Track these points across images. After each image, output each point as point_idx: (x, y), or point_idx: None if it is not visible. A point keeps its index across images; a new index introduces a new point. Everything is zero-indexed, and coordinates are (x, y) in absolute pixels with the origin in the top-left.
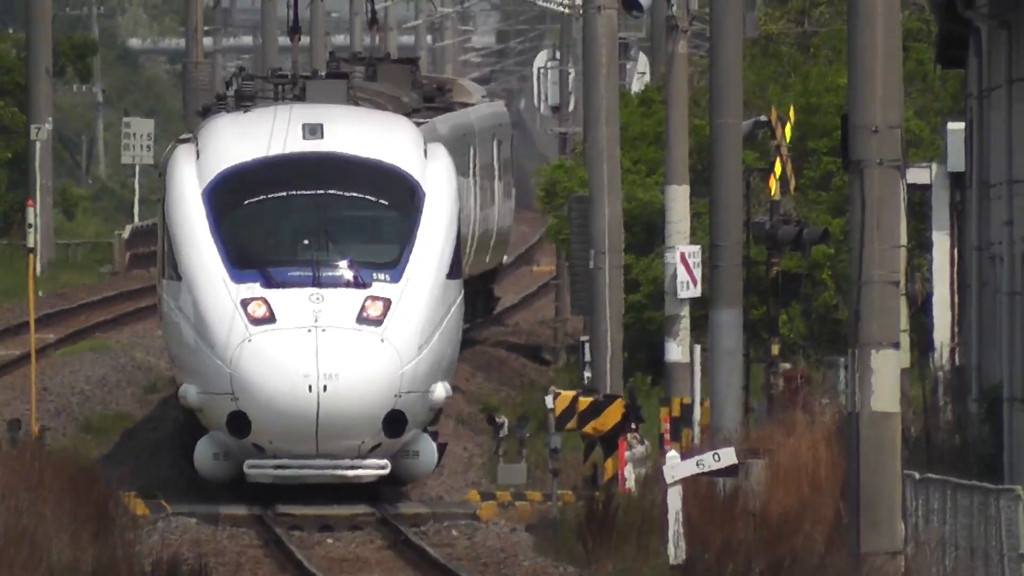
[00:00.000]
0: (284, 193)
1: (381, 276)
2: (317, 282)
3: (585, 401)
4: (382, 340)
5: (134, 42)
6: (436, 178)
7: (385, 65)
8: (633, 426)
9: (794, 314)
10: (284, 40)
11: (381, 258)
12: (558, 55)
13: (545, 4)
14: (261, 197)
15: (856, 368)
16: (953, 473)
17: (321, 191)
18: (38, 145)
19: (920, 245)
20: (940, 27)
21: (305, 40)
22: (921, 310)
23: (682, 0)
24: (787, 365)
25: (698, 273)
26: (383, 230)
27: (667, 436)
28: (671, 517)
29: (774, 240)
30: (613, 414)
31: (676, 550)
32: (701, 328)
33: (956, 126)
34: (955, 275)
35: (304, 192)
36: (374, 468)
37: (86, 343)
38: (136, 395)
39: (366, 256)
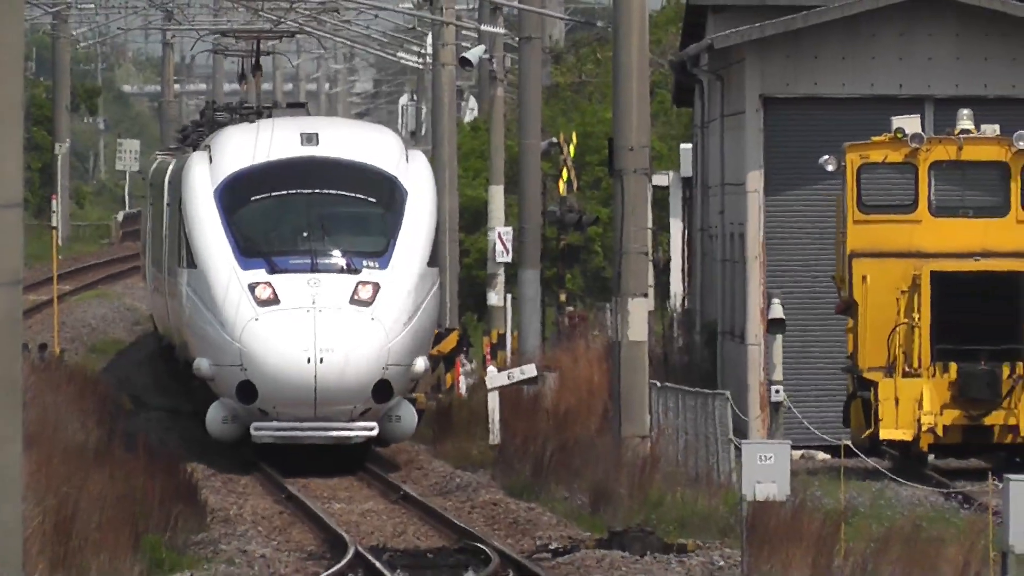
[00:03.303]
0: (285, 192)
1: (370, 264)
2: (315, 269)
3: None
4: (372, 319)
5: (126, 87)
6: (417, 179)
7: (278, 110)
8: (465, 350)
9: (575, 274)
10: (229, 86)
11: (370, 248)
12: (415, 97)
13: (406, 62)
14: (265, 195)
15: (618, 310)
16: (683, 382)
17: (317, 190)
18: (59, 157)
19: (662, 227)
20: (675, 79)
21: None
22: (663, 271)
23: (499, 59)
24: (571, 308)
25: (510, 245)
26: (371, 224)
27: (488, 357)
28: (491, 413)
29: (562, 223)
30: (451, 341)
31: (494, 436)
32: (512, 282)
33: (686, 146)
34: (685, 248)
35: (303, 191)
36: (364, 430)
37: (92, 292)
38: (126, 327)
39: (357, 246)
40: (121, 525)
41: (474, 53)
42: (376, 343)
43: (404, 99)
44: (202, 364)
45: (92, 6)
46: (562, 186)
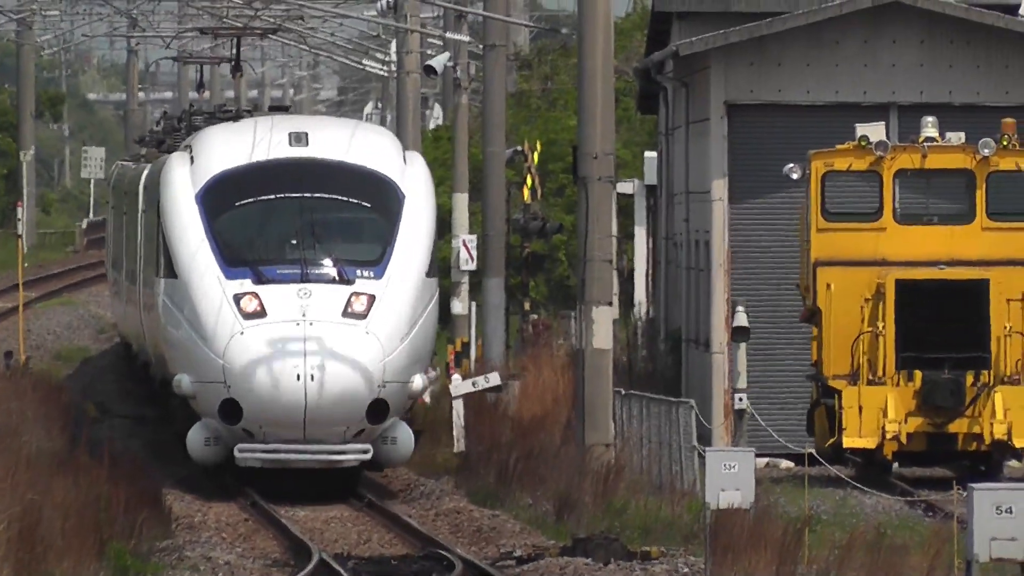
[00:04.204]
0: (272, 196)
1: (365, 273)
2: (305, 279)
3: None
4: (366, 333)
5: (91, 95)
6: (414, 182)
7: (260, 113)
8: None
9: (539, 281)
10: (193, 95)
11: (364, 256)
12: (380, 105)
13: (371, 70)
14: (251, 200)
15: (582, 318)
16: (647, 389)
17: (307, 194)
18: (25, 165)
19: (626, 235)
20: (640, 86)
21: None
22: (627, 279)
23: (464, 67)
24: (535, 316)
25: (474, 253)
26: (366, 230)
27: (452, 365)
28: (455, 421)
29: (526, 231)
30: None
31: (458, 443)
32: (476, 290)
33: (651, 154)
34: (650, 256)
35: (291, 195)
36: (357, 453)
37: (57, 300)
38: (91, 335)
39: (350, 255)
40: (86, 532)
41: (438, 61)
42: (371, 359)
43: (369, 107)
44: (182, 381)
45: (57, 13)
46: (526, 193)
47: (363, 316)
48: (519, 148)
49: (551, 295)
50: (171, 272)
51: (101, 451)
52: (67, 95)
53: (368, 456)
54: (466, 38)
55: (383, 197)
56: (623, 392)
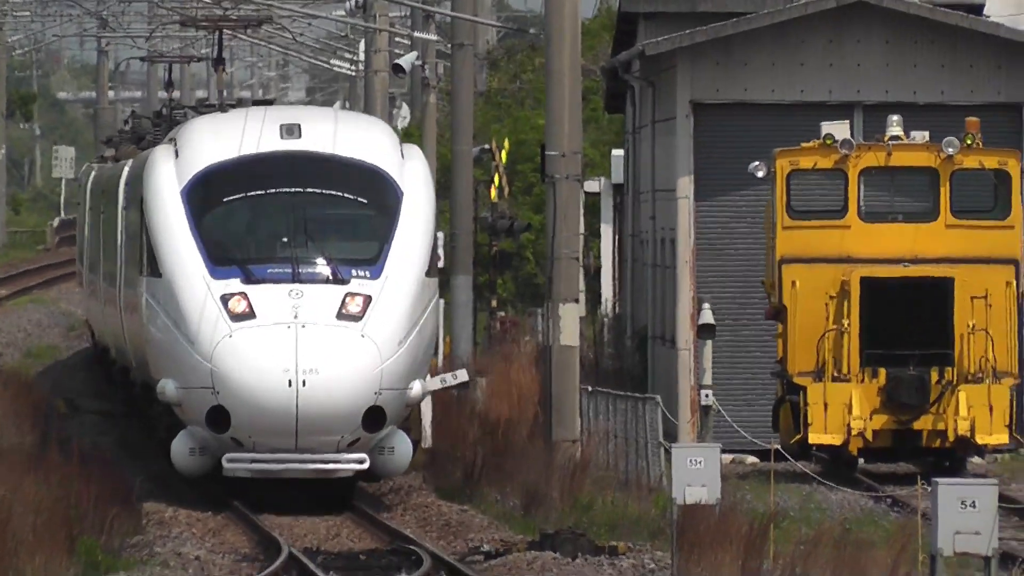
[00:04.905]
0: (263, 191)
1: (361, 273)
2: (297, 278)
3: None
4: (362, 336)
5: (62, 94)
6: (413, 177)
7: (243, 108)
8: None
9: (507, 279)
10: (162, 93)
11: (360, 255)
12: (348, 104)
13: (339, 69)
14: (240, 195)
15: (549, 316)
16: (614, 386)
17: (300, 189)
18: None
19: (593, 233)
20: (607, 85)
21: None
22: (594, 277)
23: (432, 66)
24: (502, 314)
25: (442, 251)
26: (362, 228)
27: None
28: (424, 417)
29: (494, 229)
30: None
31: (426, 439)
32: (444, 288)
33: (618, 152)
34: (616, 253)
35: (283, 190)
36: (352, 463)
37: (28, 297)
38: (61, 332)
39: (345, 253)
40: (56, 528)
41: (407, 60)
42: (367, 364)
43: (337, 106)
44: (167, 387)
45: (27, 14)
46: (494, 192)
47: (359, 318)
48: (487, 147)
49: (519, 293)
50: (155, 271)
51: (71, 448)
52: (38, 95)
53: (364, 466)
54: (434, 37)
55: (380, 193)
56: (590, 389)
